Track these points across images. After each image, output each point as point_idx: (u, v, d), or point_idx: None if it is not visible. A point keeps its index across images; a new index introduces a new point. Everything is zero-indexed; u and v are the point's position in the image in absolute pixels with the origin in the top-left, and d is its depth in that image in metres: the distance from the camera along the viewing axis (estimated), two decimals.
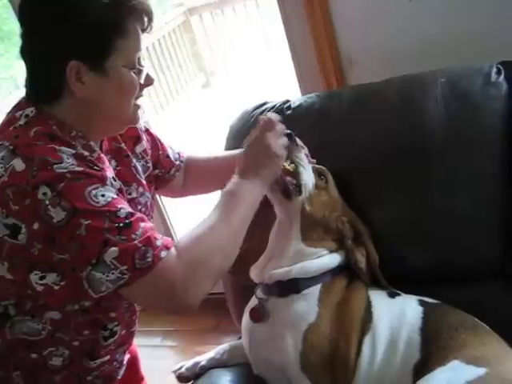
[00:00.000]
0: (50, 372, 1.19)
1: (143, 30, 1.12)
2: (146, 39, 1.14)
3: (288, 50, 1.85)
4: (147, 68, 1.15)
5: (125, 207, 1.04)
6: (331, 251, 1.29)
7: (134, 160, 1.30)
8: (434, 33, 1.61)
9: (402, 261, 1.35)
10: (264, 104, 1.59)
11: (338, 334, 1.19)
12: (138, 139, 1.33)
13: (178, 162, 1.46)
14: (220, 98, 5.09)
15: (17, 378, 1.18)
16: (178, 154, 1.47)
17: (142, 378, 1.52)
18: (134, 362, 1.46)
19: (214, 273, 1.08)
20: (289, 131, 1.26)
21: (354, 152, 1.39)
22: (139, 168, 1.31)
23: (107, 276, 1.00)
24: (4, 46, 5.28)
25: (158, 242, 1.03)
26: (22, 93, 1.16)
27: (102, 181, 1.05)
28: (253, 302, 1.31)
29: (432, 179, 1.31)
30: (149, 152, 1.36)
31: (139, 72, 1.13)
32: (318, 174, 1.34)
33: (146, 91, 1.19)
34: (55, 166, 1.00)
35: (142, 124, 1.35)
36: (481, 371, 1.04)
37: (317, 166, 1.36)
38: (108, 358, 1.26)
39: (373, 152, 1.37)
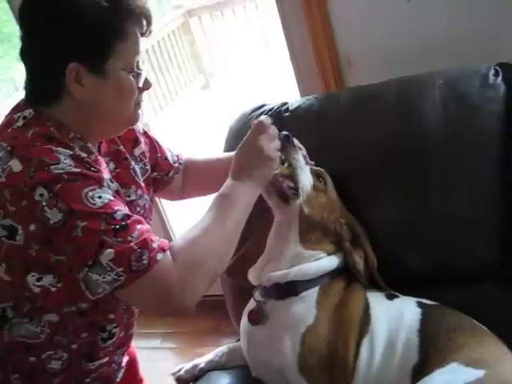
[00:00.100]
0: (49, 375, 1.18)
1: (142, 34, 1.13)
2: (145, 41, 1.15)
3: (287, 51, 1.85)
4: (145, 72, 1.16)
5: (121, 209, 1.04)
6: (329, 253, 1.29)
7: (133, 162, 1.30)
8: (433, 34, 1.61)
9: (400, 262, 1.35)
10: (262, 106, 1.59)
11: (336, 336, 1.19)
12: (137, 142, 1.34)
13: (176, 165, 1.46)
14: (219, 100, 5.09)
15: (15, 381, 1.18)
16: (177, 156, 1.47)
17: (140, 381, 1.52)
18: (132, 364, 1.46)
19: (209, 275, 1.08)
20: (286, 132, 1.26)
21: (353, 153, 1.39)
22: (138, 170, 1.31)
23: (103, 278, 1.00)
24: (4, 49, 5.28)
25: (155, 245, 1.03)
26: (21, 95, 1.16)
27: (99, 182, 1.05)
28: (251, 304, 1.31)
29: (430, 180, 1.31)
30: (147, 154, 1.36)
31: (138, 75, 1.13)
32: (317, 175, 1.34)
33: (145, 93, 1.19)
34: (52, 166, 1.00)
35: (140, 126, 1.36)
36: (479, 373, 1.04)
37: (315, 167, 1.35)
38: (107, 359, 1.26)
39: (371, 153, 1.37)
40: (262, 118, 1.23)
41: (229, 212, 1.12)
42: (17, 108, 1.13)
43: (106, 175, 1.13)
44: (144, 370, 1.53)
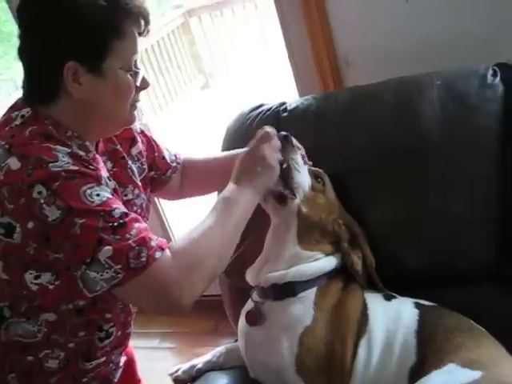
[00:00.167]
0: (46, 374, 1.19)
1: (140, 34, 1.13)
2: (145, 41, 1.15)
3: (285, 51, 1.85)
4: (143, 71, 1.16)
5: (119, 207, 1.04)
6: (327, 254, 1.29)
7: (130, 162, 1.30)
8: (431, 34, 1.61)
9: (398, 262, 1.35)
10: (260, 106, 1.59)
11: (334, 336, 1.19)
12: (134, 141, 1.34)
13: (174, 164, 1.46)
14: (219, 99, 5.09)
15: (12, 381, 1.18)
16: (175, 155, 1.47)
17: (138, 381, 1.52)
18: (130, 365, 1.46)
19: (207, 276, 1.08)
20: (285, 133, 1.26)
21: (350, 154, 1.39)
22: (135, 170, 1.31)
23: (101, 275, 1.00)
24: (3, 48, 5.29)
25: (153, 243, 1.03)
26: (21, 94, 1.16)
27: (97, 180, 1.05)
28: (249, 305, 1.31)
29: (428, 181, 1.31)
30: (144, 154, 1.36)
31: (135, 74, 1.14)
32: (315, 176, 1.34)
33: (144, 93, 1.20)
34: (50, 164, 1.00)
35: (137, 126, 1.36)
36: (476, 374, 1.03)
37: (313, 168, 1.35)
38: (104, 359, 1.26)
39: (369, 154, 1.37)
40: (268, 128, 1.25)
41: (229, 216, 1.12)
42: (14, 107, 1.13)
43: (104, 173, 1.13)
44: (142, 369, 1.53)
